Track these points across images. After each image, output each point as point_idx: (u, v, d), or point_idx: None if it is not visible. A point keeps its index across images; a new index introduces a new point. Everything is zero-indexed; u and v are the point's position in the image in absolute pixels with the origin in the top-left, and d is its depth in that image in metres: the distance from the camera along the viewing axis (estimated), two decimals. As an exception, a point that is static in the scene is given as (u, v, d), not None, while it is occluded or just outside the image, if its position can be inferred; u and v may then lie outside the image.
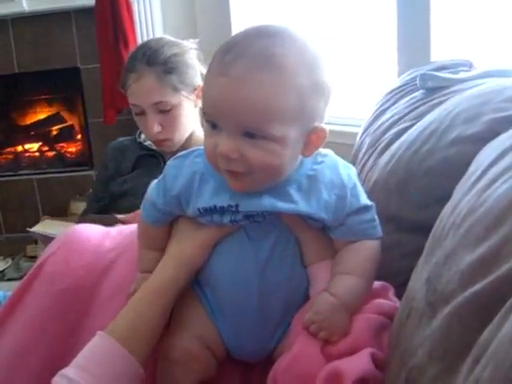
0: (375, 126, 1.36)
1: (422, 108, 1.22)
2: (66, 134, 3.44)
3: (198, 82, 1.62)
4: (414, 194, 1.00)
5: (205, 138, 0.84)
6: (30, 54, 3.06)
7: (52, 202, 3.24)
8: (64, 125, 3.43)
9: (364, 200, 0.88)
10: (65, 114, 3.42)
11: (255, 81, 0.75)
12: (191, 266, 0.94)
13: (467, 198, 0.76)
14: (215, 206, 0.87)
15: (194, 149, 0.94)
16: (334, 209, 0.86)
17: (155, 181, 0.97)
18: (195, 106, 1.64)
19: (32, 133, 3.44)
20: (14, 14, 2.95)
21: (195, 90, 1.62)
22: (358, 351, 0.82)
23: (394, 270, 0.95)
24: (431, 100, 1.22)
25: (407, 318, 0.76)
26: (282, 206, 0.85)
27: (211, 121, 0.80)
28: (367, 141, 1.34)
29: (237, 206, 0.85)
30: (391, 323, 0.84)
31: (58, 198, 3.21)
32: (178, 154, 0.95)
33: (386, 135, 1.24)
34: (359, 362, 0.79)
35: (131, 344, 0.87)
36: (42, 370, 1.02)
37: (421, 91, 1.31)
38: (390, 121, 1.29)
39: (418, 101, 1.27)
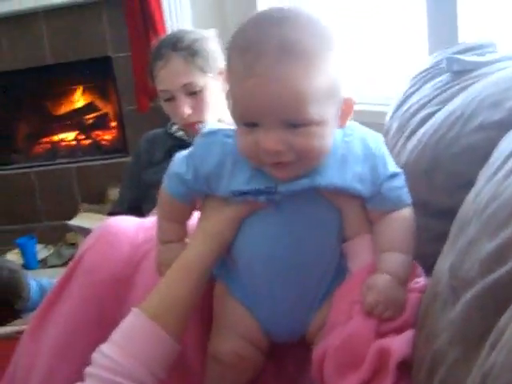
0: (402, 109, 1.37)
1: (448, 92, 1.22)
2: (101, 123, 3.50)
3: (223, 65, 1.65)
4: (441, 180, 1.02)
5: (239, 136, 0.85)
6: (61, 45, 3.11)
7: (90, 189, 3.31)
8: (99, 113, 3.49)
9: (393, 167, 0.92)
10: (99, 103, 3.48)
11: (282, 73, 0.77)
12: (221, 241, 0.95)
13: (489, 185, 0.77)
14: (251, 190, 0.89)
15: (220, 128, 0.95)
16: (369, 180, 0.89)
17: (182, 154, 0.98)
18: (222, 89, 1.67)
19: (68, 122, 3.51)
20: (45, 6, 3.00)
21: (221, 73, 1.65)
22: (407, 328, 0.84)
23: (421, 254, 0.96)
24: (457, 84, 1.22)
25: (433, 301, 0.78)
26: (320, 181, 0.87)
27: (248, 121, 0.82)
28: (395, 125, 1.35)
29: (275, 187, 0.88)
30: None
31: (96, 185, 3.27)
32: (205, 132, 0.96)
33: (413, 120, 1.25)
34: (405, 343, 0.81)
35: (163, 319, 0.89)
36: (86, 355, 1.07)
37: (447, 74, 1.31)
38: (417, 105, 1.30)
39: (444, 85, 1.27)
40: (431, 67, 1.44)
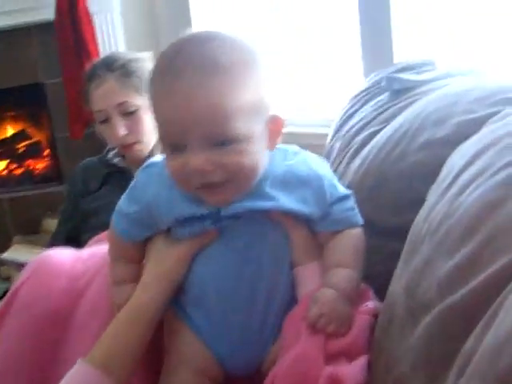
0: (344, 130, 1.36)
1: (389, 111, 1.22)
2: (34, 151, 3.38)
3: None
4: (387, 199, 1.00)
5: (168, 161, 0.82)
6: (-9, 71, 3.00)
7: (23, 220, 3.19)
8: (30, 141, 3.38)
9: (342, 189, 0.91)
10: (31, 131, 3.36)
11: (206, 89, 0.76)
12: (171, 283, 0.92)
13: (441, 203, 0.76)
14: (195, 214, 0.86)
15: (161, 159, 0.92)
16: (315, 201, 0.87)
17: (125, 193, 0.96)
18: None
19: (-2, 151, 3.38)
20: (-27, 30, 2.90)
21: None
22: (356, 350, 0.82)
23: (370, 274, 0.95)
24: (398, 102, 1.23)
25: (389, 325, 0.76)
26: (263, 204, 0.85)
27: (173, 143, 0.80)
28: (337, 145, 1.34)
29: (218, 211, 0.85)
30: None
31: (29, 216, 3.15)
32: (147, 163, 0.94)
33: (356, 140, 1.24)
34: (358, 370, 0.78)
35: (109, 369, 0.85)
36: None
37: (387, 93, 1.31)
38: (359, 125, 1.29)
39: (384, 103, 1.27)
40: (370, 87, 1.45)
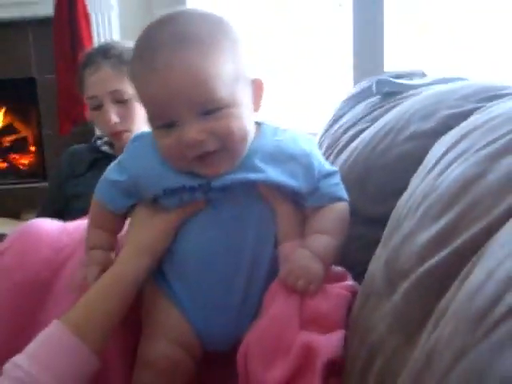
0: (333, 129, 1.39)
1: (378, 111, 1.25)
2: (19, 146, 3.37)
3: None
4: (372, 189, 1.03)
5: (159, 141, 0.85)
6: (-16, 62, 3.01)
7: (3, 212, 3.17)
8: (17, 136, 3.37)
9: (329, 166, 0.93)
10: (18, 125, 3.36)
11: (182, 62, 0.79)
12: (153, 255, 0.93)
13: (422, 185, 0.79)
14: (184, 186, 0.87)
15: (150, 132, 0.94)
16: (303, 177, 0.89)
17: (114, 162, 0.97)
18: None
19: (-16, 144, 3.37)
20: (-33, 22, 2.90)
21: None
22: (331, 323, 0.83)
23: (351, 261, 0.97)
24: (387, 104, 1.25)
25: (366, 300, 0.78)
26: (253, 175, 0.87)
27: (162, 121, 0.83)
28: (326, 143, 1.37)
29: (209, 183, 0.87)
30: None
31: (10, 209, 3.14)
32: (136, 134, 0.96)
33: (344, 137, 1.27)
34: (333, 342, 0.80)
35: (84, 333, 0.85)
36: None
37: (377, 97, 1.34)
38: (347, 124, 1.32)
39: (374, 105, 1.30)
40: (361, 91, 1.48)
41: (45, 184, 3.13)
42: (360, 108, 1.35)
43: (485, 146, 0.69)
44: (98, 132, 2.13)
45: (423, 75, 1.42)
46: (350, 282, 0.91)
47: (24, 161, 3.39)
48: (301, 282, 0.84)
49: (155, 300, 0.96)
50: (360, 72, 1.93)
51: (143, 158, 0.91)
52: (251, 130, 0.87)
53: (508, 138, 0.67)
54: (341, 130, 1.33)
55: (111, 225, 0.99)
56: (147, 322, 0.96)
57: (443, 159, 0.78)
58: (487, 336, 0.41)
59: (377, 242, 0.88)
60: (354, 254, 1.01)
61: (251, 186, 0.88)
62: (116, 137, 1.63)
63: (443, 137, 0.87)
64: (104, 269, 0.94)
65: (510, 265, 0.45)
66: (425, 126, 0.97)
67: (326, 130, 1.45)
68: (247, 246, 0.90)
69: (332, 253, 0.90)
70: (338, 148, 1.24)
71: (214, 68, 0.80)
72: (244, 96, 0.85)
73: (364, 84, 1.52)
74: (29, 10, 2.88)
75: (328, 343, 0.80)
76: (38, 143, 3.25)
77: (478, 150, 0.70)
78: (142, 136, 0.95)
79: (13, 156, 3.38)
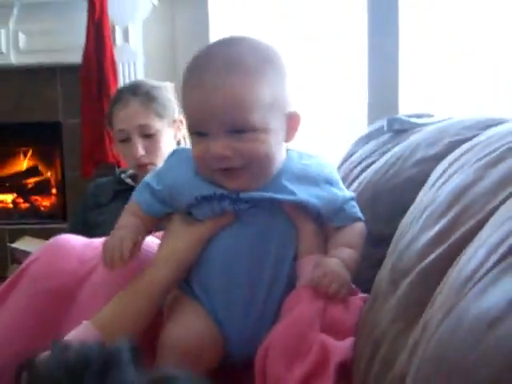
0: (345, 165, 1.46)
1: (388, 146, 1.32)
2: (42, 188, 3.47)
3: (177, 115, 1.73)
4: (381, 210, 1.09)
5: (193, 147, 0.94)
6: (13, 105, 3.14)
7: (23, 251, 3.23)
8: (40, 178, 3.48)
9: (348, 192, 1.01)
10: (42, 168, 3.47)
11: (224, 84, 0.88)
12: (184, 264, 0.98)
13: (425, 197, 0.85)
14: (215, 193, 0.94)
15: (186, 147, 1.03)
16: (327, 200, 0.97)
17: (154, 172, 1.05)
18: (174, 137, 1.75)
19: (7, 184, 3.48)
20: (1, 65, 3.05)
21: (174, 122, 1.73)
22: (344, 329, 0.88)
23: (361, 280, 1.02)
24: (397, 139, 1.32)
25: (373, 303, 0.83)
26: (280, 196, 0.94)
27: (198, 131, 0.91)
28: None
29: (238, 193, 0.93)
30: None
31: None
32: (174, 149, 1.06)
33: (356, 170, 1.34)
34: (345, 348, 0.84)
35: (112, 334, 0.89)
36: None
37: (388, 135, 1.41)
38: (359, 159, 1.39)
39: (384, 142, 1.38)
40: (373, 131, 1.56)
41: (64, 226, 3.21)
42: (371, 145, 1.42)
43: (481, 158, 0.76)
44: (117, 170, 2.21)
45: (430, 116, 1.49)
46: (363, 295, 0.95)
47: (45, 203, 3.48)
48: (334, 285, 0.90)
49: (180, 300, 1.00)
50: (375, 111, 2.02)
51: (179, 169, 0.99)
52: (279, 156, 0.94)
53: (503, 149, 0.73)
54: (352, 165, 1.40)
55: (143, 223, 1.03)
56: (171, 316, 0.99)
57: (444, 174, 0.84)
58: (472, 289, 0.46)
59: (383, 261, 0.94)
60: (363, 273, 1.06)
61: (277, 204, 0.95)
62: (141, 169, 1.71)
63: (446, 158, 0.94)
64: (134, 234, 0.99)
65: (497, 235, 0.51)
66: (430, 152, 1.04)
67: (339, 167, 1.52)
68: (269, 260, 0.97)
69: (355, 264, 0.96)
70: (350, 180, 1.31)
71: (251, 94, 0.88)
72: (276, 124, 0.92)
73: (376, 125, 1.60)
74: (58, 56, 3.01)
75: (341, 347, 0.84)
76: (60, 186, 3.35)
77: (475, 162, 0.76)
78: (178, 151, 1.05)
79: (35, 198, 3.48)
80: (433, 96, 2.04)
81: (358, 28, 2.37)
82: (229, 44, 0.93)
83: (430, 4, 2.11)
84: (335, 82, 2.42)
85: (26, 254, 1.94)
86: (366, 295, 0.96)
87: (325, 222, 0.99)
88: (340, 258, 0.94)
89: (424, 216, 0.79)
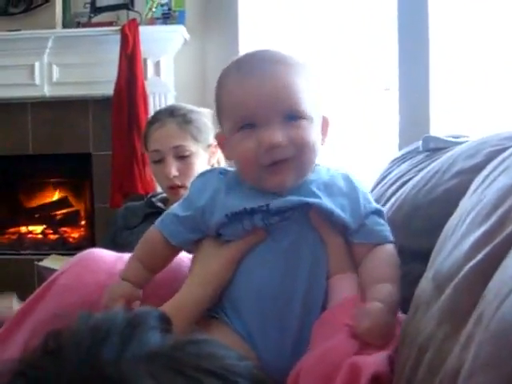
0: (380, 185, 1.43)
1: (424, 163, 1.29)
2: (71, 219, 3.50)
3: (212, 140, 1.73)
4: (419, 225, 1.06)
5: (238, 143, 0.92)
6: (45, 136, 3.19)
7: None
8: (70, 209, 3.51)
9: (376, 204, 0.99)
10: (72, 199, 3.50)
11: (275, 73, 0.90)
12: (218, 285, 0.96)
13: (469, 201, 0.82)
14: (245, 209, 0.92)
15: (214, 168, 1.01)
16: (351, 212, 0.95)
17: (179, 202, 1.03)
18: (208, 162, 1.74)
19: (37, 215, 3.51)
20: (34, 97, 3.11)
21: (209, 146, 1.73)
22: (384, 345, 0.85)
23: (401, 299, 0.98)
24: (433, 157, 1.29)
25: (415, 312, 0.79)
26: (309, 199, 0.93)
27: (250, 122, 0.90)
28: (373, 198, 1.40)
29: (267, 205, 0.92)
30: None
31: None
32: (201, 172, 1.04)
33: (391, 188, 1.31)
34: (376, 361, 0.81)
35: None
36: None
37: (423, 154, 1.39)
38: (395, 178, 1.36)
39: (420, 160, 1.35)
40: (407, 152, 1.53)
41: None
42: (407, 164, 1.39)
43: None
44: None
45: (465, 136, 1.46)
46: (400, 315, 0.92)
47: (74, 234, 3.50)
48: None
49: (211, 326, 0.97)
50: (405, 136, 2.00)
51: (208, 190, 0.98)
52: (318, 154, 0.95)
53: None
54: (388, 185, 1.37)
55: (156, 261, 1.04)
56: None
57: (487, 179, 0.82)
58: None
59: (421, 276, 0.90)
60: (402, 291, 1.03)
61: (305, 216, 0.94)
62: (172, 191, 1.71)
63: (487, 167, 0.91)
64: (128, 302, 0.99)
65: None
66: (469, 163, 1.01)
67: (374, 188, 1.49)
68: (303, 276, 0.94)
69: (398, 302, 0.91)
70: (386, 197, 1.28)
71: (301, 84, 0.91)
72: (318, 119, 0.95)
73: (410, 146, 1.57)
74: (90, 88, 3.08)
75: (373, 361, 0.81)
76: (89, 217, 3.37)
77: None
78: (205, 172, 1.04)
79: (64, 229, 3.50)
80: (464, 121, 2.02)
81: (389, 50, 2.37)
82: (269, 50, 0.96)
83: (460, 26, 2.11)
84: (366, 108, 2.42)
85: (53, 271, 1.93)
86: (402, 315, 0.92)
87: (348, 238, 0.97)
88: (383, 302, 0.89)
89: (468, 220, 0.76)
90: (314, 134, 0.92)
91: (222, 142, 1.00)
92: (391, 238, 0.98)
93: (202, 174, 1.03)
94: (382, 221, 0.98)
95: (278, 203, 0.92)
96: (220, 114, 0.98)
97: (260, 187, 0.94)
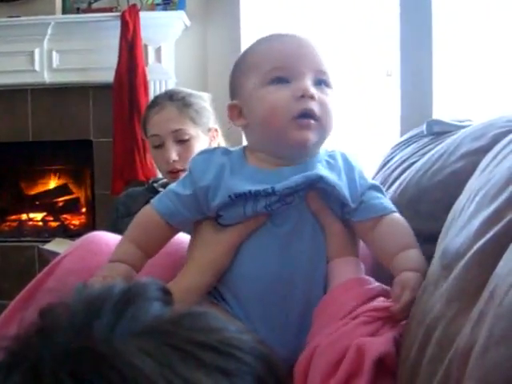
0: (384, 169, 1.43)
1: (429, 147, 1.28)
2: (71, 206, 3.49)
3: (212, 124, 1.72)
4: (426, 208, 1.05)
5: (269, 95, 0.93)
6: (45, 123, 3.17)
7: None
8: (70, 197, 3.50)
9: (372, 180, 0.99)
10: (72, 186, 3.49)
11: (309, 41, 0.96)
12: (216, 270, 0.96)
13: (477, 181, 0.81)
14: (250, 191, 0.91)
15: (215, 147, 1.03)
16: (349, 189, 0.94)
17: (180, 180, 1.01)
18: (208, 146, 1.73)
19: (37, 202, 3.50)
20: (33, 84, 3.09)
21: (209, 130, 1.72)
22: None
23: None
24: (438, 141, 1.29)
25: (423, 292, 0.79)
26: (317, 172, 0.92)
27: (283, 76, 0.92)
28: (378, 181, 1.40)
29: (272, 187, 0.91)
30: None
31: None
32: (202, 150, 1.02)
33: (396, 171, 1.31)
34: (382, 341, 0.81)
35: None
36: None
37: (428, 137, 1.38)
38: (399, 161, 1.36)
39: (425, 143, 1.34)
40: (410, 137, 1.52)
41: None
42: (411, 148, 1.39)
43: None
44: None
45: (469, 120, 1.46)
46: None
47: (75, 221, 3.49)
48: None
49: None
50: (408, 122, 1.99)
51: (211, 169, 0.96)
52: (329, 133, 0.97)
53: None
54: (392, 168, 1.36)
55: (150, 242, 1.00)
56: None
57: (496, 158, 0.81)
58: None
59: (429, 259, 0.89)
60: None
61: (305, 201, 0.93)
62: (172, 175, 1.70)
63: (496, 146, 0.90)
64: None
65: None
66: (476, 145, 1.01)
67: (377, 172, 1.48)
68: (302, 261, 0.94)
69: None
70: (390, 181, 1.28)
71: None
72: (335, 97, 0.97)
73: (414, 131, 1.56)
74: (91, 75, 3.06)
75: (378, 342, 0.81)
76: (90, 204, 3.36)
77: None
78: (207, 151, 1.02)
79: (64, 216, 3.49)
80: (467, 107, 2.01)
81: (391, 35, 2.36)
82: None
83: (463, 9, 2.09)
84: (367, 95, 2.41)
85: (57, 255, 1.93)
86: None
87: (349, 217, 0.96)
88: (418, 270, 0.87)
89: (477, 199, 0.76)
90: (334, 105, 0.94)
91: (238, 107, 0.98)
92: (393, 207, 0.97)
93: (204, 152, 1.00)
94: (379, 194, 0.97)
95: (282, 185, 0.91)
96: (241, 76, 0.97)
97: (283, 143, 0.93)
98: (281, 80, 0.92)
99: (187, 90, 1.82)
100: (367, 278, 0.94)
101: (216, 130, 1.76)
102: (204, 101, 1.77)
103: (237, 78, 0.99)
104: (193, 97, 1.75)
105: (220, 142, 1.79)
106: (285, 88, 0.92)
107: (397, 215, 0.96)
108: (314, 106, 0.91)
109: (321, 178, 0.92)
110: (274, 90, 0.92)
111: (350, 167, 0.96)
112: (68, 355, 0.43)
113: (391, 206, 0.96)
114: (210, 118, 1.75)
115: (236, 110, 0.98)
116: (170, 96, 1.73)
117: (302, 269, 0.94)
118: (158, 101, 1.74)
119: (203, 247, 0.98)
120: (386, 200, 0.97)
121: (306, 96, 0.90)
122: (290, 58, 0.92)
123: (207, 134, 1.74)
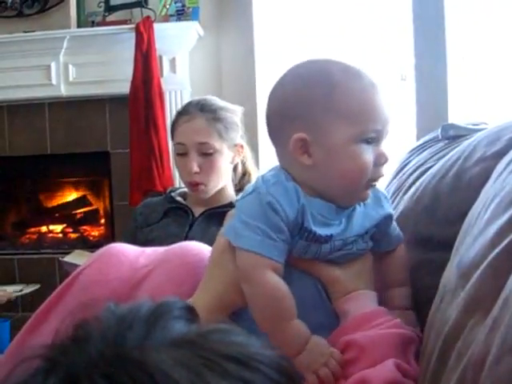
0: (399, 175, 1.42)
1: (444, 151, 1.28)
2: (91, 218, 3.52)
3: (239, 140, 1.73)
4: (442, 214, 1.04)
5: (362, 155, 0.88)
6: (63, 136, 3.21)
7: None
8: (89, 208, 3.53)
9: (387, 209, 0.99)
10: (91, 198, 3.52)
11: None
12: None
13: (492, 188, 0.81)
14: (331, 235, 0.90)
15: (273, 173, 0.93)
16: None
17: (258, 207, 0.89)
18: (232, 161, 1.75)
19: (57, 215, 3.53)
20: (51, 97, 3.13)
21: (235, 146, 1.72)
22: (377, 355, 0.84)
23: (422, 286, 0.98)
24: (453, 145, 1.28)
25: (440, 302, 0.78)
26: (386, 211, 0.98)
27: (372, 137, 0.89)
28: (393, 187, 1.39)
29: (364, 233, 0.94)
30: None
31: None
32: (267, 179, 0.91)
33: (411, 177, 1.30)
34: (385, 370, 0.81)
35: None
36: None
37: (443, 142, 1.37)
38: (415, 167, 1.35)
39: (440, 148, 1.33)
40: (427, 141, 1.51)
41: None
42: (426, 153, 1.38)
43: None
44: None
45: (485, 124, 1.45)
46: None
47: (94, 232, 3.52)
48: None
49: None
50: (423, 129, 1.98)
51: (294, 202, 0.88)
52: None
53: None
54: (407, 174, 1.36)
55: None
56: None
57: (510, 164, 0.80)
58: None
59: (444, 266, 0.89)
60: (425, 279, 1.02)
61: None
62: (192, 187, 1.71)
63: (508, 154, 0.90)
64: None
65: None
66: (491, 150, 1.00)
67: (393, 178, 1.48)
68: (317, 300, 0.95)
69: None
70: (406, 187, 1.27)
71: None
72: None
73: (429, 136, 1.55)
74: (107, 87, 3.09)
75: (381, 371, 0.81)
76: (109, 215, 3.38)
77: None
78: (275, 176, 0.91)
79: (84, 228, 3.52)
80: (482, 111, 2.00)
81: (405, 39, 2.36)
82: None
83: (477, 13, 2.09)
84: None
85: (77, 266, 1.95)
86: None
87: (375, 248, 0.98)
88: (410, 307, 0.96)
89: (492, 206, 0.75)
90: None
91: (308, 142, 0.88)
92: (402, 237, 1.01)
93: (275, 183, 0.89)
94: (394, 223, 1.01)
95: (361, 228, 0.93)
96: (324, 116, 0.88)
97: (348, 197, 0.92)
98: (372, 140, 0.89)
99: (221, 102, 1.80)
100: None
101: (242, 147, 1.76)
102: (236, 115, 1.76)
103: (312, 111, 0.88)
104: (224, 110, 1.74)
105: (245, 156, 1.80)
106: (369, 150, 0.89)
107: (402, 246, 1.01)
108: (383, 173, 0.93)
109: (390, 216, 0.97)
110: (365, 151, 0.88)
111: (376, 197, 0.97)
112: (102, 360, 0.46)
113: (402, 237, 1.01)
114: (238, 134, 1.75)
115: (300, 143, 0.88)
116: (201, 106, 1.73)
117: (318, 306, 0.94)
118: (189, 109, 1.74)
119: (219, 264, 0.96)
120: (398, 229, 1.01)
121: (384, 164, 0.91)
122: (385, 120, 0.90)
123: (233, 149, 1.74)
